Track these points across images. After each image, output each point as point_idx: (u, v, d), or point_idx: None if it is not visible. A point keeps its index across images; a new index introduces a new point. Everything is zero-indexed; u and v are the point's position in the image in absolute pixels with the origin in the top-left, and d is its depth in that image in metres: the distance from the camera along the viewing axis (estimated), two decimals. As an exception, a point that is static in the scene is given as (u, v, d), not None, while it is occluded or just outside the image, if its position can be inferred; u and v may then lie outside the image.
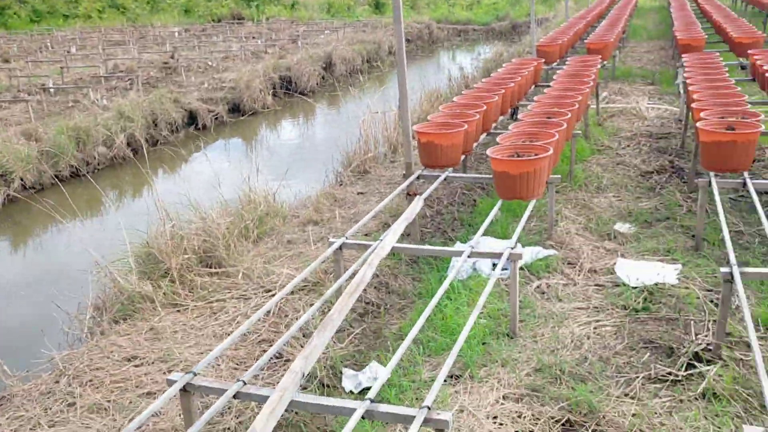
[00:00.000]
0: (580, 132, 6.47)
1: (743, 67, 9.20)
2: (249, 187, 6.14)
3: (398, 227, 4.22)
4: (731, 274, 3.53)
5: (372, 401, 2.67)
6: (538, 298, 4.52)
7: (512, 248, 3.99)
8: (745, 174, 4.94)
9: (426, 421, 2.55)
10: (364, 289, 4.71)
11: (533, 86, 8.51)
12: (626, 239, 5.39)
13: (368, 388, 3.66)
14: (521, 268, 4.89)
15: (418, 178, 5.42)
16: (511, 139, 5.23)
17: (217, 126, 12.54)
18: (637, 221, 5.71)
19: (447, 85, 11.17)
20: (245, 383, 2.82)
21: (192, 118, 12.41)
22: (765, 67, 7.18)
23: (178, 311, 4.65)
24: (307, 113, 14.03)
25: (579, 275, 4.81)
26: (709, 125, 5.11)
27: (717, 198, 4.60)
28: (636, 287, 4.55)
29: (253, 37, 21.61)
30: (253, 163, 7.13)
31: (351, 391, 3.72)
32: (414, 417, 2.53)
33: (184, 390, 2.89)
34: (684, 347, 3.80)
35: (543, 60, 9.22)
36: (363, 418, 2.64)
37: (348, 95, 13.74)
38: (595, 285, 4.68)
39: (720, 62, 7.86)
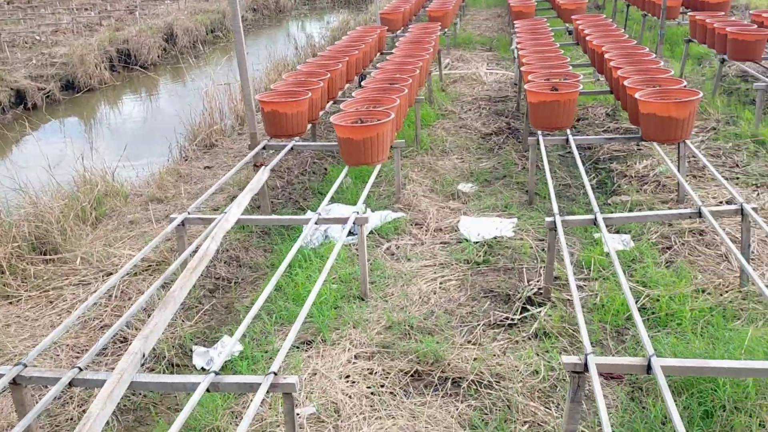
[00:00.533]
0: (423, 98, 6.67)
1: (570, 32, 9.87)
2: (84, 167, 5.76)
3: (243, 199, 4.16)
4: (554, 222, 3.83)
5: (217, 374, 2.64)
6: (388, 260, 4.66)
7: (358, 213, 4.07)
8: (568, 131, 5.35)
9: (273, 387, 2.56)
10: (214, 264, 4.62)
11: (378, 54, 8.62)
12: (469, 198, 5.67)
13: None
14: (371, 232, 5.01)
15: (264, 148, 5.35)
16: (355, 106, 5.29)
17: (49, 105, 11.60)
18: (478, 180, 6.02)
19: (294, 54, 11.05)
20: (81, 369, 2.69)
21: (20, 97, 11.39)
22: (586, 32, 7.75)
23: (11, 303, 4.31)
24: (150, 88, 13.32)
25: (426, 235, 5.00)
26: (535, 87, 5.46)
27: (544, 155, 4.95)
28: (477, 242, 4.82)
29: (86, 9, 20.07)
30: (89, 142, 6.69)
31: (204, 369, 3.65)
32: (260, 384, 2.54)
33: (14, 383, 2.70)
34: (519, 293, 4.10)
35: (387, 28, 9.36)
36: (209, 390, 2.61)
37: (193, 68, 13.21)
38: (441, 243, 4.90)
39: (547, 28, 8.38)
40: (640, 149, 6.43)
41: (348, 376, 3.42)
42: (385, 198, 5.64)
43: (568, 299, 4.10)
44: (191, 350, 3.78)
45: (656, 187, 5.62)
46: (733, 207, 3.91)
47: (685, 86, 5.15)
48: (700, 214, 3.89)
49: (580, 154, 6.60)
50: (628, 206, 5.26)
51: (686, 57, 8.95)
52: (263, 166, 4.71)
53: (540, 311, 3.91)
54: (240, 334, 2.92)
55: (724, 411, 2.93)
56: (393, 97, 5.29)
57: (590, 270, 4.42)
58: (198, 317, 4.11)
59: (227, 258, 4.77)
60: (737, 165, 5.98)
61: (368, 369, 3.48)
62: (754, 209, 3.83)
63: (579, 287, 4.24)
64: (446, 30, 10.57)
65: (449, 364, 3.48)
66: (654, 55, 6.54)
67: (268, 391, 2.55)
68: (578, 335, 3.75)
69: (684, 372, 2.65)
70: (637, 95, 5.02)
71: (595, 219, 3.88)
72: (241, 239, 5.00)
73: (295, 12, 23.00)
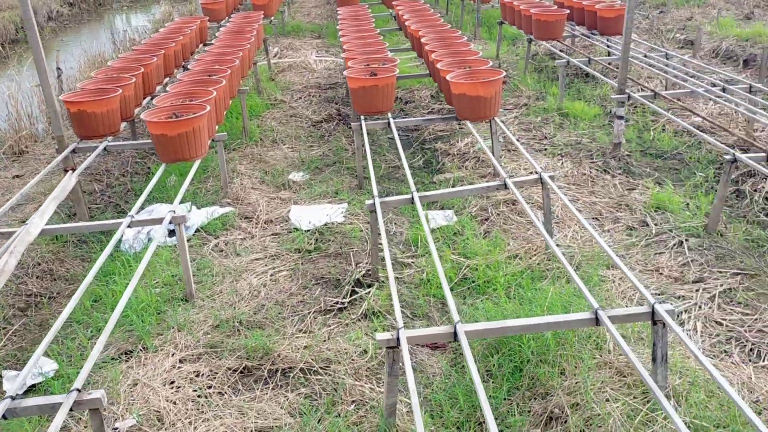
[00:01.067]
0: (247, 88, 6.54)
1: (394, 18, 10.11)
2: None
3: (47, 208, 3.86)
4: (374, 204, 3.92)
5: (14, 398, 2.44)
6: (216, 257, 4.55)
7: (174, 212, 3.92)
8: (389, 115, 5.49)
9: (78, 404, 2.41)
10: (24, 280, 4.27)
11: (202, 45, 8.34)
12: (300, 187, 5.66)
13: (36, 384, 3.36)
14: (198, 230, 4.86)
15: (74, 151, 5.00)
16: (170, 100, 5.08)
17: None
18: (309, 169, 6.03)
19: (112, 48, 10.41)
20: None
21: None
22: (405, 17, 7.98)
23: None
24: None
25: (256, 228, 4.94)
26: (354, 72, 5.54)
27: (365, 139, 5.04)
28: (308, 230, 4.83)
29: None
30: None
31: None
32: (62, 404, 2.37)
33: None
34: (348, 277, 4.16)
35: (208, 18, 9.07)
36: (5, 417, 2.41)
37: (5, 69, 12.05)
38: (272, 234, 4.86)
39: (369, 14, 8.53)
40: (462, 128, 6.75)
41: (173, 382, 3.31)
42: (213, 193, 5.49)
43: (398, 277, 4.23)
44: (0, 375, 3.47)
45: (476, 163, 5.92)
46: (533, 177, 4.21)
47: (491, 66, 5.46)
48: (506, 186, 4.15)
49: (408, 135, 6.86)
50: (451, 183, 5.51)
51: (500, 38, 9.49)
52: (70, 171, 4.40)
53: (368, 292, 4.00)
54: (42, 351, 2.71)
55: (530, 364, 3.16)
56: (209, 90, 5.14)
57: (417, 247, 4.59)
58: (6, 339, 3.78)
59: (39, 272, 4.42)
60: (546, 137, 6.46)
61: (195, 372, 3.38)
62: (551, 177, 4.15)
63: (407, 264, 4.39)
64: (272, 18, 10.44)
65: (279, 356, 3.46)
66: (466, 38, 6.88)
67: (71, 409, 2.40)
68: (405, 310, 3.88)
69: (486, 334, 2.82)
70: (448, 77, 5.25)
71: (413, 198, 4.02)
72: (55, 251, 4.65)
73: (117, 4, 21.68)
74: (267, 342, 3.54)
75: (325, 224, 4.89)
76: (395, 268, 4.34)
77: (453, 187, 5.41)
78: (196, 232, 4.85)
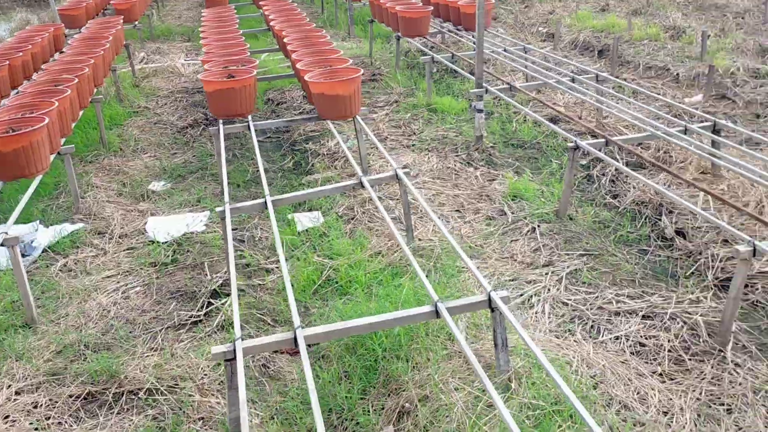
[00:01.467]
0: (102, 96, 6.22)
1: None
2: None
3: None
4: (224, 211, 3.80)
5: None
6: (64, 277, 4.28)
7: (6, 233, 3.64)
8: (249, 118, 5.37)
9: None
10: None
11: (58, 53, 7.86)
12: (160, 197, 5.44)
13: None
14: (45, 250, 4.56)
15: None
16: (9, 114, 4.74)
17: None
18: (172, 177, 5.81)
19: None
20: None
21: None
22: (271, 17, 7.86)
23: None
24: None
25: (109, 243, 4.69)
26: (210, 75, 5.38)
27: (222, 144, 4.89)
28: (166, 242, 4.64)
29: None
30: None
31: None
32: None
33: None
34: (204, 288, 4.03)
35: (66, 25, 8.57)
36: None
37: None
38: (127, 249, 4.63)
39: (234, 15, 8.34)
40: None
41: (7, 417, 3.07)
42: (65, 210, 5.17)
43: (260, 283, 4.13)
44: None
45: (345, 162, 5.91)
46: (389, 174, 4.23)
47: (350, 65, 5.45)
48: (362, 185, 4.14)
49: (279, 137, 6.75)
50: (319, 183, 5.46)
51: (372, 36, 9.55)
52: None
53: (225, 302, 3.88)
54: None
55: (384, 361, 3.16)
56: (51, 101, 4.83)
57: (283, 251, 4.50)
58: None
59: None
60: (414, 133, 6.55)
61: (32, 403, 3.15)
62: (407, 173, 4.18)
63: (270, 270, 4.30)
64: (136, 23, 10.01)
65: (126, 378, 3.29)
66: (341, 37, 6.86)
67: None
68: (266, 318, 3.80)
69: (327, 337, 2.79)
70: (306, 77, 5.19)
71: (266, 203, 3.93)
72: None
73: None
74: (113, 364, 3.35)
75: (185, 234, 4.72)
76: (258, 275, 4.24)
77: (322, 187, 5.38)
78: (43, 252, 4.55)
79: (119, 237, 4.75)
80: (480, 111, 5.82)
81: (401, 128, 6.70)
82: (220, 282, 4.06)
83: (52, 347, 3.55)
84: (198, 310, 3.84)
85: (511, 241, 4.42)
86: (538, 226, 4.52)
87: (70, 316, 3.86)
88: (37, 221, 4.86)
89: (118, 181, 5.69)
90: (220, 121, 5.29)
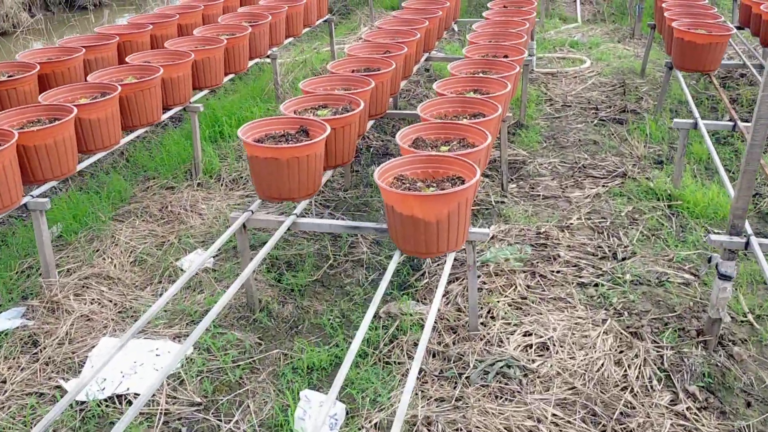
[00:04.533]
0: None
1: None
2: None
3: None
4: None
5: None
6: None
7: None
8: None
9: None
10: None
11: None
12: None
13: None
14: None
15: None
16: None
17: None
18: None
19: None
20: None
21: None
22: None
23: None
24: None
25: (20, 373, 3.16)
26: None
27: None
28: (96, 399, 2.97)
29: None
30: None
31: None
32: None
33: None
34: None
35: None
36: None
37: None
38: (35, 394, 3.06)
39: None
40: None
41: None
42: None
43: None
44: None
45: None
46: None
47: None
48: None
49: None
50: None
51: (650, 47, 6.56)
52: None
53: None
54: None
55: None
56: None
57: None
58: None
59: None
60: (615, 254, 3.87)
61: None
62: None
63: None
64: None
65: None
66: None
67: None
68: None
69: None
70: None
71: None
72: None
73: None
74: None
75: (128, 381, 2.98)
76: None
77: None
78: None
79: (45, 361, 3.15)
80: (726, 278, 2.97)
81: (596, 233, 4.03)
82: None
83: None
84: None
85: None
86: None
87: None
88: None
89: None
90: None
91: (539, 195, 4.53)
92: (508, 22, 5.34)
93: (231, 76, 5.23)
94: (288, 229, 3.23)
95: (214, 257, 3.88)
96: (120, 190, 4.47)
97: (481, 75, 4.16)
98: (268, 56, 5.84)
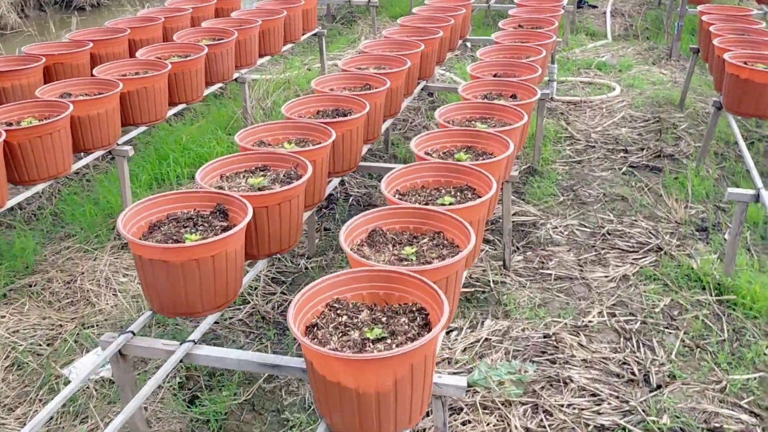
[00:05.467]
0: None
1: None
2: None
3: None
4: None
5: None
6: None
7: None
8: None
9: None
10: None
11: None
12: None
13: None
14: None
15: None
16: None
17: None
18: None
19: None
20: None
21: None
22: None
23: None
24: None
25: None
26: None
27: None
28: None
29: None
30: None
31: None
32: None
33: None
34: None
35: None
36: None
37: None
38: None
39: None
40: None
41: None
42: None
43: None
44: None
45: None
46: None
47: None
48: None
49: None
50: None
51: (691, 72, 5.54)
52: None
53: None
54: None
55: None
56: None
57: None
58: None
59: None
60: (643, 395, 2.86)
61: None
62: None
63: None
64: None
65: None
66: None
67: None
68: None
69: None
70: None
71: None
72: None
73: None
74: None
75: None
76: None
77: None
78: None
79: None
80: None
81: (621, 340, 3.05)
82: None
83: None
84: None
85: None
86: None
87: None
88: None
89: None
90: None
91: (551, 275, 3.56)
92: (521, 48, 4.36)
93: (181, 106, 4.33)
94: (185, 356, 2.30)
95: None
96: (22, 255, 3.58)
97: (477, 126, 3.20)
98: (235, 80, 4.93)
